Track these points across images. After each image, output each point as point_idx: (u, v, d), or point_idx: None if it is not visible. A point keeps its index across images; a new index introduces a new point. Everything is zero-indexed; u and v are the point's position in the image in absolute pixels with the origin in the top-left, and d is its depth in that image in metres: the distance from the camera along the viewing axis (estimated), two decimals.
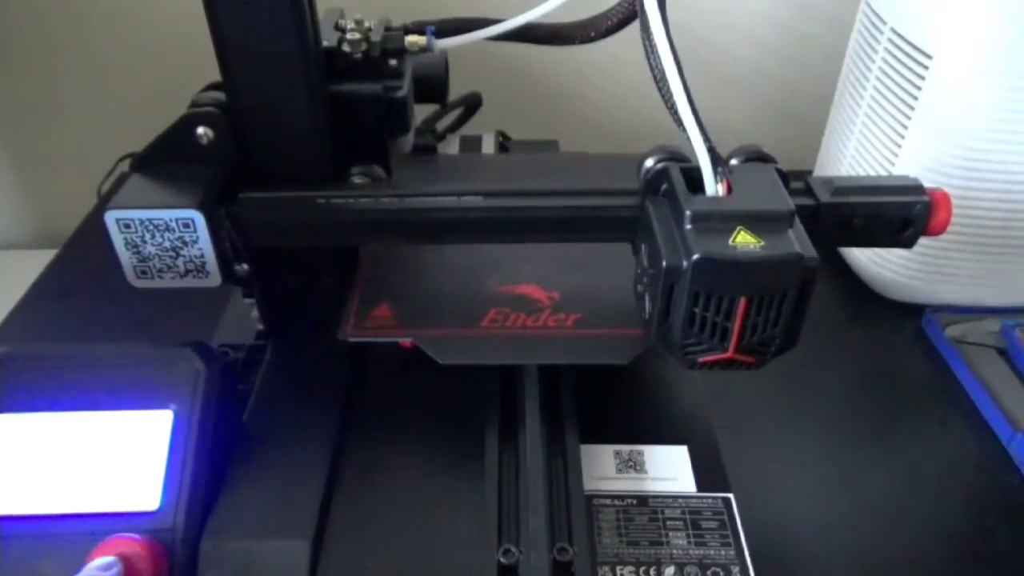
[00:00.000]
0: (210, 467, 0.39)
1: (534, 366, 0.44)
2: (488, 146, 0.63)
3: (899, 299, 0.58)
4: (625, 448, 0.43)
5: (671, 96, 0.35)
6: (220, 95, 0.40)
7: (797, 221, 0.35)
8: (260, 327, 0.49)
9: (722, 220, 0.34)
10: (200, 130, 0.39)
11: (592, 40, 0.44)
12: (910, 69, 0.51)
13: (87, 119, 0.80)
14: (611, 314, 0.44)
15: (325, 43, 0.41)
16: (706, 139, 0.35)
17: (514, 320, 0.44)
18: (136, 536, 0.35)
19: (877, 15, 0.55)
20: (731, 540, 0.39)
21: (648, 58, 0.35)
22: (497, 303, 0.45)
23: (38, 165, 0.84)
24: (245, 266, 0.42)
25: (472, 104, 0.65)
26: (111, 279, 0.40)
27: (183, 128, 0.39)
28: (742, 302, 0.34)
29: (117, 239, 0.38)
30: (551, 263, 0.48)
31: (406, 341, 0.43)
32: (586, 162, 0.55)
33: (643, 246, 0.38)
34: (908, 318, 0.57)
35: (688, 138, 0.35)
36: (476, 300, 0.45)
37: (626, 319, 0.43)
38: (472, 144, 0.64)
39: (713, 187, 0.36)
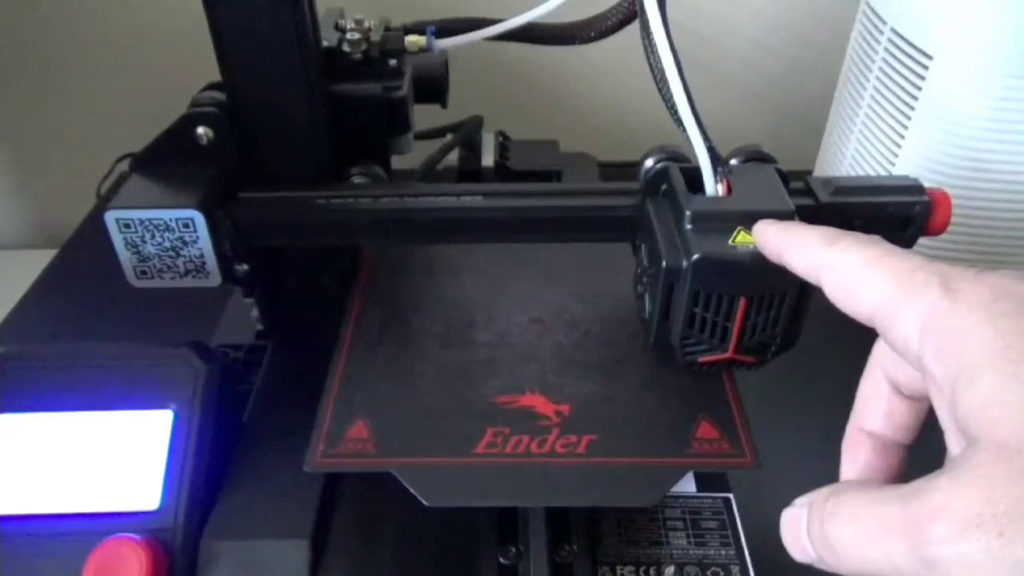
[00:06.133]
0: (210, 467, 0.39)
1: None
2: (488, 146, 0.63)
3: None
4: None
5: (671, 96, 0.35)
6: (220, 95, 0.40)
7: (797, 221, 0.35)
8: (260, 327, 0.49)
9: (722, 220, 0.34)
10: (200, 130, 0.39)
11: (592, 40, 0.44)
12: (910, 69, 0.51)
13: (87, 119, 0.80)
14: (632, 435, 0.38)
15: (325, 43, 0.42)
16: (706, 139, 0.35)
17: (515, 444, 0.37)
18: (136, 536, 0.35)
19: (877, 15, 0.55)
20: (731, 540, 0.39)
21: (648, 58, 0.35)
22: (495, 420, 0.38)
23: (38, 165, 0.84)
24: (245, 266, 0.41)
25: (472, 128, 0.64)
26: (111, 279, 0.40)
27: (183, 128, 0.39)
28: (742, 302, 0.34)
29: (117, 239, 0.38)
30: (558, 363, 0.41)
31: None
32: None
33: (643, 246, 0.38)
34: None
35: (688, 138, 0.35)
36: (470, 416, 0.38)
37: (650, 442, 0.37)
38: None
39: (713, 187, 0.36)
